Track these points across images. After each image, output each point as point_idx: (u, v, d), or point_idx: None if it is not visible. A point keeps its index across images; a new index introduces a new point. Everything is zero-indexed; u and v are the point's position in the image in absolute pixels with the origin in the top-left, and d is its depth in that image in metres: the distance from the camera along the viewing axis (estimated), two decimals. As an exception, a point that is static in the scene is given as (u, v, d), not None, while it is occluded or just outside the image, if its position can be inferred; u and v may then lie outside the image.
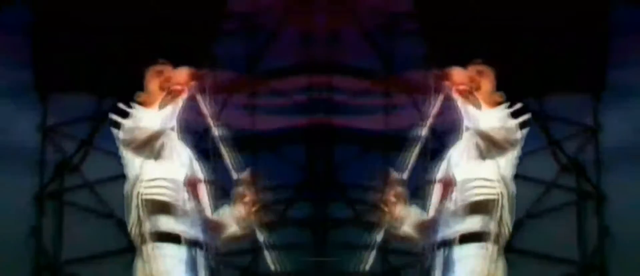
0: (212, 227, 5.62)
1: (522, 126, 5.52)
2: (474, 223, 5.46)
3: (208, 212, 5.68)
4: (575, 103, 10.56)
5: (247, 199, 5.59)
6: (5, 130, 10.10)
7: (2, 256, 9.57)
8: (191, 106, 5.83)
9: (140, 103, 5.80)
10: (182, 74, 5.98)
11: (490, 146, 5.48)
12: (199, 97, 5.99)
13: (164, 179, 5.58)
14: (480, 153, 5.50)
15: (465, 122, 5.60)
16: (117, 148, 9.42)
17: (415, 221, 5.56)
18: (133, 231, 5.43)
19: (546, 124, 10.53)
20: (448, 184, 5.58)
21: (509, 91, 10.16)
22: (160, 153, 5.60)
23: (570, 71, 10.40)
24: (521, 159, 10.14)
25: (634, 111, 10.42)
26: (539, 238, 10.39)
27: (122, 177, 9.36)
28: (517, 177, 10.03)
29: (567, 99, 10.55)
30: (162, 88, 5.80)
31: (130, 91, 9.45)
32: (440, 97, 5.71)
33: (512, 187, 5.56)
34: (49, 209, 10.26)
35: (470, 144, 5.51)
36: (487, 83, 5.73)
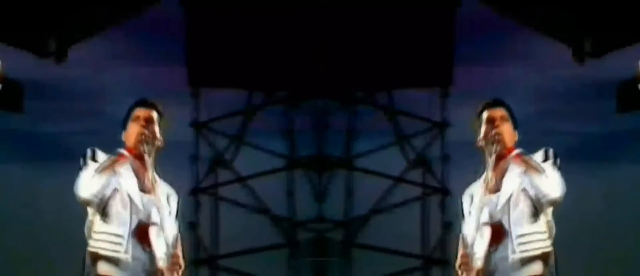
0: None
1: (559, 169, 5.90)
2: (532, 271, 5.93)
3: (157, 255, 5.93)
4: (424, 99, 10.59)
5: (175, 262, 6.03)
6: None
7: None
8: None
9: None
10: (132, 134, 5.90)
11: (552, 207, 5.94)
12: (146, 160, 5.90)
13: (107, 233, 5.84)
14: (535, 209, 5.96)
15: (521, 186, 5.88)
16: (267, 143, 10.26)
17: None
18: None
19: (395, 119, 10.62)
20: (499, 233, 5.96)
21: (361, 85, 10.51)
22: (104, 209, 5.83)
23: (419, 66, 10.42)
24: (370, 154, 10.51)
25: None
26: (386, 233, 10.58)
27: (272, 172, 10.18)
28: (366, 172, 10.42)
29: (415, 95, 10.58)
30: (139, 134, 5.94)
31: (279, 85, 10.16)
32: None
33: (554, 232, 5.99)
34: (204, 204, 10.63)
35: (525, 200, 5.91)
36: (508, 127, 6.08)
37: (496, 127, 5.89)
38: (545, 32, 10.41)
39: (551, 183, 5.72)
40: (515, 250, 5.76)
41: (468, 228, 5.95)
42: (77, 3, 10.09)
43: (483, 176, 5.95)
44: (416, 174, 10.75)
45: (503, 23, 10.46)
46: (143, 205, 5.89)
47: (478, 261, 5.81)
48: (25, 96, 10.03)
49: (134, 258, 5.85)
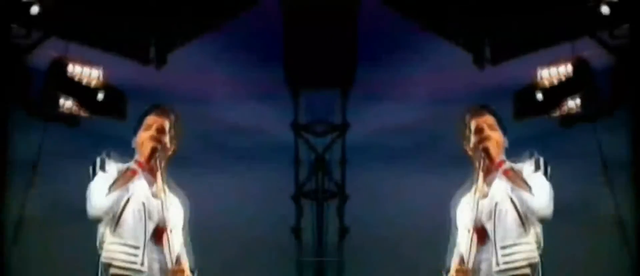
0: None
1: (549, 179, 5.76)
2: (519, 273, 5.80)
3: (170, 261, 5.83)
4: (326, 100, 10.62)
5: None
6: (261, 128, 10.55)
7: (267, 253, 10.05)
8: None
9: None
10: (146, 149, 5.74)
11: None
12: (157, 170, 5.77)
13: (120, 244, 5.72)
14: (522, 222, 5.81)
15: (509, 196, 5.75)
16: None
17: None
18: None
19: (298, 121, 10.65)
20: (482, 236, 5.82)
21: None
22: (116, 221, 5.69)
23: (321, 66, 10.46)
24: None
25: (380, 110, 10.44)
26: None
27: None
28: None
29: (318, 96, 10.62)
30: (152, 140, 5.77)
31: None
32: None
33: (542, 243, 5.86)
34: (306, 207, 10.61)
35: (512, 212, 5.76)
36: (496, 134, 5.91)
37: (484, 137, 5.82)
38: (446, 37, 10.52)
39: (539, 201, 5.62)
40: (498, 261, 5.72)
41: (461, 241, 5.94)
42: (176, 9, 10.21)
43: (473, 188, 5.92)
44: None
45: (406, 26, 10.55)
46: (157, 211, 5.79)
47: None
48: (128, 102, 10.06)
49: (150, 268, 5.78)
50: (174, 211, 5.89)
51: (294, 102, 10.52)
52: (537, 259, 5.78)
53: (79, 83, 9.91)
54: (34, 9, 9.33)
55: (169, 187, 5.86)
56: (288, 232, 10.32)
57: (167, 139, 5.84)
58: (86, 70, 9.93)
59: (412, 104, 10.52)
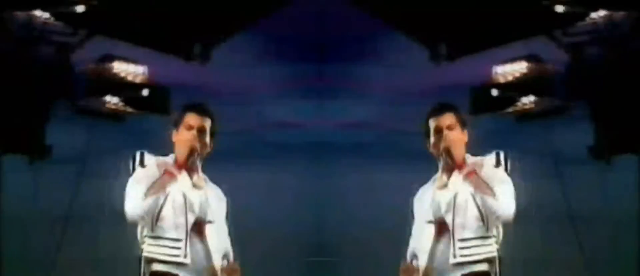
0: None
1: (510, 174, 5.71)
2: (477, 267, 5.75)
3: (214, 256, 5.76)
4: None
5: None
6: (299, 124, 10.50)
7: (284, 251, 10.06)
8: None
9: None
10: (185, 149, 5.67)
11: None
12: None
13: (162, 238, 5.64)
14: (482, 218, 5.76)
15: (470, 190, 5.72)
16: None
17: None
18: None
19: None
20: (441, 229, 5.77)
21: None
22: (156, 217, 5.60)
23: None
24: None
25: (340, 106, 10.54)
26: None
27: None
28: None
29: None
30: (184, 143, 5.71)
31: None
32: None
33: (501, 238, 5.81)
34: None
35: (472, 207, 5.71)
36: (457, 134, 5.87)
37: (442, 138, 5.85)
38: (404, 33, 10.60)
39: (502, 206, 5.59)
40: (456, 254, 5.70)
41: (415, 233, 5.98)
42: (219, 6, 10.23)
43: (432, 179, 5.95)
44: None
45: (366, 22, 10.61)
46: (198, 204, 5.74)
47: (422, 261, 5.85)
48: (171, 98, 10.05)
49: (193, 261, 5.75)
50: (216, 203, 5.85)
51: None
52: (495, 254, 5.84)
53: (123, 80, 10.02)
54: (79, 8, 9.38)
55: (206, 181, 5.83)
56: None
57: (207, 139, 5.82)
58: (131, 67, 10.05)
59: (370, 100, 10.57)
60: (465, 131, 5.77)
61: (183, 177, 5.76)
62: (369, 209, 10.09)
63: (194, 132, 5.75)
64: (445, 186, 5.76)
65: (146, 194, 5.67)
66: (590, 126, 9.88)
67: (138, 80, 10.11)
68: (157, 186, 5.70)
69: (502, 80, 10.12)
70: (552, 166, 9.53)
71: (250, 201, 9.77)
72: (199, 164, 5.79)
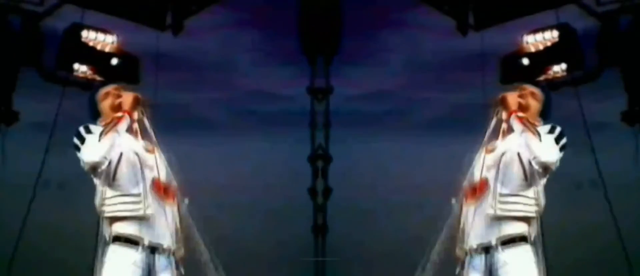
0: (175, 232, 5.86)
1: (561, 149, 5.78)
2: (514, 229, 5.79)
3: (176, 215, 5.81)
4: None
5: None
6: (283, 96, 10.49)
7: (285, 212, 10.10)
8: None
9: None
10: (128, 98, 5.87)
11: (543, 174, 5.80)
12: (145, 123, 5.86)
13: (121, 195, 5.76)
14: (525, 174, 5.80)
15: (517, 149, 5.78)
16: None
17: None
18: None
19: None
20: (485, 187, 5.83)
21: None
22: (113, 173, 5.73)
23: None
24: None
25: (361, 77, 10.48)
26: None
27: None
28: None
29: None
30: (113, 110, 5.86)
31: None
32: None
33: (543, 202, 5.86)
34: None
35: (518, 166, 5.78)
36: (535, 106, 5.96)
37: (519, 95, 5.90)
38: (431, 3, 10.55)
39: (544, 146, 5.75)
40: (495, 207, 5.78)
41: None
42: None
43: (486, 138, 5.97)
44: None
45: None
46: (154, 163, 5.82)
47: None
48: (141, 67, 10.13)
49: (154, 217, 5.79)
50: (166, 168, 5.91)
51: (312, 68, 10.54)
52: (534, 215, 5.84)
53: (93, 49, 9.97)
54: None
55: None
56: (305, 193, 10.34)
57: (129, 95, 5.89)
58: (100, 36, 10.01)
59: (391, 70, 10.53)
60: (533, 104, 5.80)
61: (131, 136, 5.84)
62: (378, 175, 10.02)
63: (114, 90, 5.93)
64: (493, 150, 5.80)
65: (100, 139, 5.72)
66: (621, 93, 9.83)
67: (108, 48, 10.05)
68: (108, 128, 5.75)
69: (532, 48, 10.06)
70: (583, 133, 9.48)
71: (234, 167, 9.85)
72: (145, 121, 5.85)
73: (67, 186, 9.18)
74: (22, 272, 9.49)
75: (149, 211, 5.77)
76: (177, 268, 5.87)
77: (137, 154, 5.82)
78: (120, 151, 5.78)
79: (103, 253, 5.80)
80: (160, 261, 5.83)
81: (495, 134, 5.93)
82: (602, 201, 9.51)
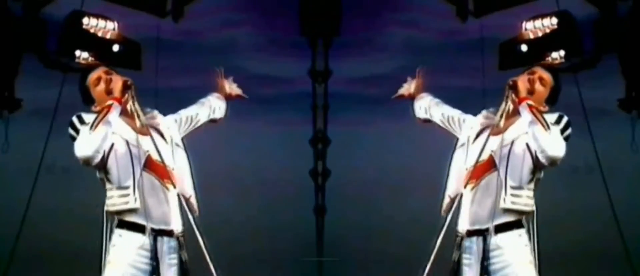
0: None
1: (565, 140, 5.78)
2: (510, 217, 5.80)
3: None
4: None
5: None
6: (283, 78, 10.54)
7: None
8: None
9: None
10: (117, 84, 5.82)
11: (548, 167, 5.81)
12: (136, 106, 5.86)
13: (114, 189, 5.74)
14: (535, 168, 5.81)
15: (525, 139, 5.77)
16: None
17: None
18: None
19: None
20: (484, 168, 5.83)
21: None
22: (105, 168, 5.73)
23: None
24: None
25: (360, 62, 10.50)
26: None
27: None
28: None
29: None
30: (108, 94, 5.81)
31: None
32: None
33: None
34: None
35: (528, 158, 5.77)
36: (542, 91, 5.94)
37: (529, 79, 5.88)
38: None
39: (552, 139, 5.70)
40: (506, 199, 5.77)
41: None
42: None
43: (485, 113, 5.98)
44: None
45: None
46: (150, 145, 5.82)
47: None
48: (143, 53, 10.18)
49: (147, 206, 5.78)
50: (168, 136, 5.94)
51: (312, 50, 10.57)
52: (533, 207, 5.86)
53: (94, 35, 10.01)
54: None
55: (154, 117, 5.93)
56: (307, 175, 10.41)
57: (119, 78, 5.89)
58: (101, 22, 10.04)
59: (390, 54, 10.56)
60: (540, 90, 5.81)
61: (121, 121, 5.81)
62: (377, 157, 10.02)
63: (104, 75, 5.90)
64: (499, 133, 5.79)
65: (91, 131, 5.69)
66: (619, 80, 9.86)
67: (109, 35, 10.08)
68: (100, 118, 5.72)
69: (531, 36, 10.09)
70: (581, 119, 9.52)
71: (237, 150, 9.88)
72: (135, 102, 5.85)
73: (71, 170, 9.22)
74: (26, 257, 9.52)
75: (136, 205, 5.77)
76: (183, 249, 5.88)
77: (128, 143, 5.81)
78: (111, 142, 5.77)
79: (109, 238, 5.80)
80: (166, 244, 5.83)
81: (500, 116, 5.92)
82: (598, 186, 9.55)
